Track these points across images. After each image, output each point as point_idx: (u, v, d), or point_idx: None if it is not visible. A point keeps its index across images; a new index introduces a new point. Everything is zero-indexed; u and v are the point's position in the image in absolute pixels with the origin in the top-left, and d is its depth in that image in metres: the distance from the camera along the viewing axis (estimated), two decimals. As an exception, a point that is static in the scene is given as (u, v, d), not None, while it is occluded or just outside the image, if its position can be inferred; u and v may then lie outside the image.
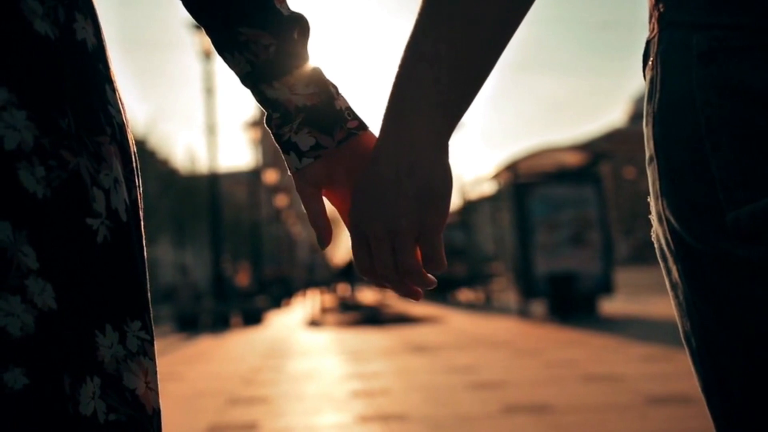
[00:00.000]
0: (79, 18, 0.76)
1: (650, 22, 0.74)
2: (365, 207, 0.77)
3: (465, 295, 22.66)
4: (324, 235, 0.85)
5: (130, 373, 0.76)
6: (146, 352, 0.78)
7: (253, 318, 16.52)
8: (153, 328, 0.80)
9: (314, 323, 15.21)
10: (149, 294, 0.81)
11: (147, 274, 0.81)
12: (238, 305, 17.18)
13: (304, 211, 0.85)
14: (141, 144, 32.00)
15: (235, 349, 10.85)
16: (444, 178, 0.76)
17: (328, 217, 0.85)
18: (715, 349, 0.69)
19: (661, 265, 0.75)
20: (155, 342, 0.81)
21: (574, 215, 13.26)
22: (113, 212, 0.75)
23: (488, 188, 21.03)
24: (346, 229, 0.81)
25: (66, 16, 0.74)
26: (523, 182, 13.72)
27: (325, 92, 0.84)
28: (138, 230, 0.80)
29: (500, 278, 20.58)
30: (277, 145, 0.85)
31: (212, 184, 19.14)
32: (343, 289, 22.24)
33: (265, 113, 0.85)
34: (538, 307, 13.44)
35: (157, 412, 0.80)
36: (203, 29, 0.86)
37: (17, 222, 0.68)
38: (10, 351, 0.68)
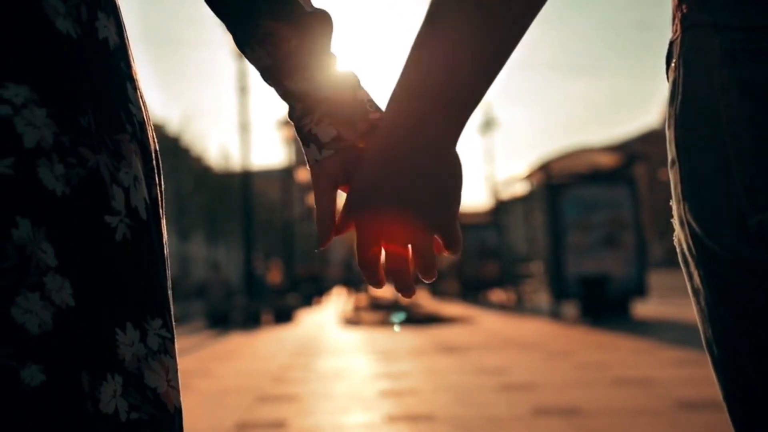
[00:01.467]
0: (102, 17, 0.76)
1: (673, 23, 0.72)
2: (381, 202, 0.76)
3: (496, 295, 22.56)
4: (325, 234, 0.82)
5: (151, 372, 0.76)
6: (167, 350, 0.78)
7: (284, 316, 16.60)
8: (174, 325, 0.80)
9: (345, 322, 15.23)
10: (170, 291, 0.81)
11: (168, 271, 0.81)
12: (270, 303, 17.27)
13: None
14: (175, 141, 32.38)
15: (266, 346, 10.90)
16: (459, 171, 0.76)
17: (334, 226, 0.82)
18: (736, 356, 0.67)
19: (683, 269, 0.73)
20: (176, 339, 0.80)
21: (608, 217, 13.12)
22: (133, 210, 0.75)
23: (521, 189, 20.89)
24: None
25: (88, 14, 0.74)
26: (556, 183, 13.61)
27: (347, 84, 0.83)
28: (158, 228, 0.79)
29: (532, 279, 20.45)
30: (298, 137, 0.84)
31: (245, 181, 19.27)
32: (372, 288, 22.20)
33: (288, 107, 0.85)
34: (570, 308, 13.33)
35: (178, 411, 0.79)
36: (225, 25, 0.85)
37: (36, 219, 0.68)
38: (28, 348, 0.68)
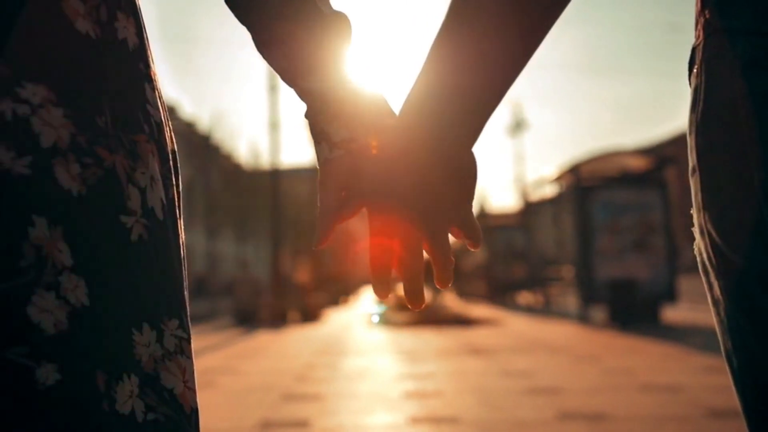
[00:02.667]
0: (121, 17, 0.76)
1: (696, 28, 0.70)
2: (400, 198, 0.75)
3: (524, 297, 22.44)
4: (325, 233, 0.80)
5: (167, 373, 0.76)
6: (183, 351, 0.78)
7: (311, 315, 16.65)
8: (190, 326, 0.80)
9: (371, 321, 15.24)
10: (186, 292, 0.81)
11: (184, 271, 0.81)
12: (296, 301, 17.33)
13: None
14: (205, 139, 32.64)
15: (291, 345, 10.94)
16: (476, 170, 0.76)
17: (334, 225, 0.80)
18: (756, 369, 0.66)
19: (704, 280, 0.71)
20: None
21: (637, 220, 13.00)
22: (149, 210, 0.75)
23: (550, 191, 20.76)
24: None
25: (108, 15, 0.75)
26: (586, 186, 13.50)
27: (363, 86, 0.83)
28: (175, 228, 0.79)
29: (560, 282, 20.31)
30: (310, 135, 0.84)
31: (274, 180, 19.37)
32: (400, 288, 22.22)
33: (305, 105, 0.85)
34: (599, 312, 13.22)
35: (195, 411, 0.79)
36: (245, 26, 0.86)
37: (53, 218, 0.68)
38: (44, 347, 0.68)
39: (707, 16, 0.68)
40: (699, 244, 0.71)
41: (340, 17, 0.84)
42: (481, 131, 0.74)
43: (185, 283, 0.80)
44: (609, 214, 13.10)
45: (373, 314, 13.35)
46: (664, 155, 16.10)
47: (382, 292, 0.78)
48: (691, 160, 0.70)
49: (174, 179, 0.81)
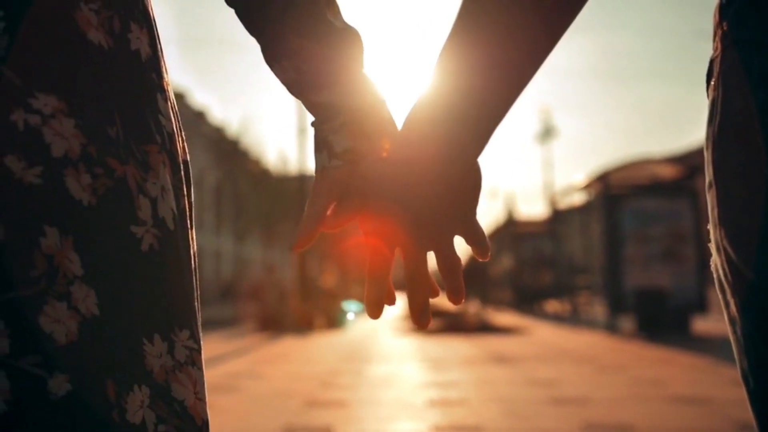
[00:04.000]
0: (135, 28, 0.76)
1: (714, 40, 0.68)
2: (401, 209, 0.73)
3: (551, 306, 22.30)
4: (305, 238, 0.79)
5: (178, 384, 0.75)
6: (194, 362, 0.77)
7: (337, 320, 16.67)
8: (201, 336, 0.79)
9: (398, 328, 15.22)
10: (198, 302, 0.80)
11: (196, 281, 0.80)
12: (323, 306, 17.36)
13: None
14: (234, 144, 32.91)
15: (317, 350, 10.96)
16: (480, 181, 0.74)
17: (318, 230, 0.79)
18: None
19: (720, 297, 0.69)
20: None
21: (667, 229, 12.85)
22: (160, 221, 0.75)
23: (579, 198, 20.61)
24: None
25: (121, 26, 0.75)
26: (615, 194, 13.38)
27: (373, 100, 0.82)
28: (186, 239, 0.79)
29: (588, 290, 20.14)
30: (313, 141, 0.83)
31: (301, 184, 19.45)
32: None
33: (313, 117, 0.84)
34: (627, 322, 13.08)
35: (206, 423, 0.79)
36: (255, 39, 0.85)
37: (64, 228, 0.68)
38: (56, 357, 0.68)
39: (725, 28, 0.67)
40: (715, 261, 0.69)
41: (351, 32, 0.83)
42: (488, 141, 0.72)
43: (196, 294, 0.80)
44: (638, 222, 12.97)
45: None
46: (694, 163, 15.92)
47: (375, 308, 0.76)
48: (708, 174, 0.69)
49: (185, 189, 0.81)
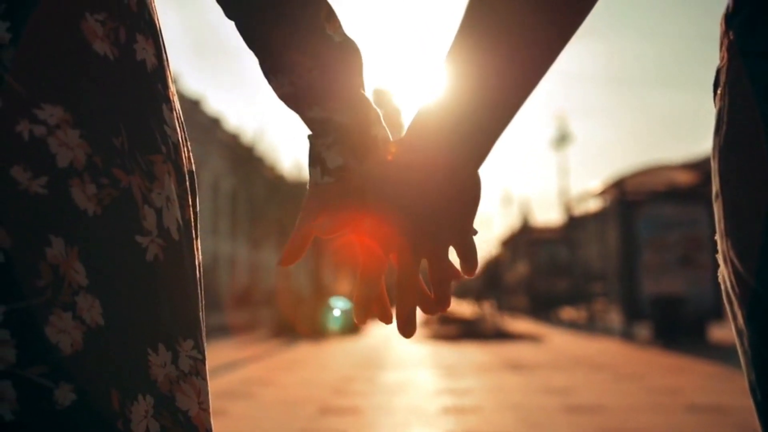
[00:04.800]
0: (140, 39, 0.76)
1: (720, 49, 0.68)
2: (400, 222, 0.72)
3: (567, 313, 22.19)
4: (294, 255, 0.78)
5: (182, 394, 0.75)
6: (198, 372, 0.77)
7: (351, 327, 16.66)
8: (205, 346, 0.79)
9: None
10: (202, 312, 0.80)
11: (201, 292, 0.80)
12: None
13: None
14: (249, 151, 33.01)
15: (331, 357, 10.96)
16: (479, 193, 0.74)
17: (306, 247, 0.78)
18: None
19: (728, 309, 0.69)
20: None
21: (684, 236, 12.76)
22: (165, 231, 0.75)
23: (594, 205, 20.53)
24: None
25: (127, 37, 0.75)
26: (631, 200, 13.31)
27: (365, 117, 0.82)
28: (190, 249, 0.79)
29: (604, 297, 20.03)
30: (308, 155, 0.83)
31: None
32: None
33: (308, 130, 0.84)
34: (643, 329, 13.00)
35: None
36: (253, 53, 0.85)
37: (69, 238, 0.69)
38: (62, 368, 0.68)
39: (731, 37, 0.66)
40: (723, 272, 0.69)
41: (349, 46, 0.83)
42: (492, 147, 0.71)
43: (201, 304, 0.80)
44: (654, 229, 12.89)
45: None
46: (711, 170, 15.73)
47: (362, 311, 0.75)
48: (715, 185, 0.68)
49: (191, 199, 0.81)
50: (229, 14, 0.86)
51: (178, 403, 0.74)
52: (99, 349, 0.70)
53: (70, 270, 0.68)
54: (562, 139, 32.38)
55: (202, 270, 0.83)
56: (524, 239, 28.47)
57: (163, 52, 0.81)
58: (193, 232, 0.81)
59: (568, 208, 26.53)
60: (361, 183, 0.75)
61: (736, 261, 0.65)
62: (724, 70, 0.68)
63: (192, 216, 0.81)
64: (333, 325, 12.94)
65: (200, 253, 0.83)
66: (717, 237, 0.69)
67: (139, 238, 0.73)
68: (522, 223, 32.75)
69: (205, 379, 0.78)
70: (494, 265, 33.67)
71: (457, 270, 0.76)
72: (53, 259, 0.68)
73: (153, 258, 0.73)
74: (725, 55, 0.67)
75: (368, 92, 0.85)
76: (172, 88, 0.82)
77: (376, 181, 0.74)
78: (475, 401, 6.26)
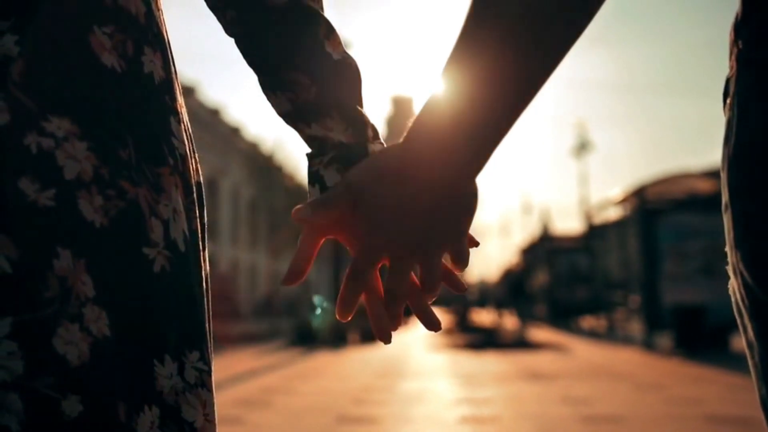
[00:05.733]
0: (148, 51, 0.77)
1: (730, 59, 0.67)
2: (394, 226, 0.71)
3: (588, 322, 22.03)
4: (297, 274, 0.77)
5: (188, 406, 0.75)
6: (204, 384, 0.77)
7: (371, 335, 16.63)
8: (211, 358, 0.79)
9: (431, 344, 15.16)
10: (209, 324, 0.80)
11: (208, 303, 0.80)
12: (356, 322, 17.34)
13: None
14: (269, 160, 33.17)
15: (350, 366, 10.95)
16: (476, 202, 0.72)
17: (309, 266, 0.77)
18: None
19: (738, 321, 0.68)
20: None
21: (706, 245, 12.63)
22: (171, 242, 0.75)
23: (615, 213, 20.39)
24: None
25: (134, 49, 0.75)
26: (652, 208, 13.21)
27: (362, 135, 0.82)
28: (197, 260, 0.79)
29: (625, 306, 19.87)
30: (306, 174, 0.83)
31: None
32: (463, 310, 22.09)
33: (307, 148, 0.85)
34: (664, 339, 12.87)
35: None
36: (253, 71, 0.86)
37: (77, 250, 0.69)
38: (69, 379, 0.69)
39: (740, 47, 0.65)
40: (733, 284, 0.68)
41: (348, 64, 0.83)
42: (487, 160, 0.70)
43: (207, 315, 0.80)
44: (676, 237, 12.78)
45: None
46: (733, 178, 15.57)
47: (346, 306, 0.75)
48: (724, 196, 0.67)
49: (198, 211, 0.81)
50: (229, 32, 0.87)
51: (183, 415, 0.75)
52: (106, 361, 0.70)
53: (77, 281, 0.69)
54: (583, 147, 32.22)
55: (209, 281, 0.83)
56: (544, 248, 28.33)
57: (171, 64, 0.82)
58: (201, 243, 0.81)
59: (588, 217, 26.37)
60: (357, 187, 0.74)
61: (745, 273, 0.64)
62: (733, 80, 0.67)
63: (199, 227, 0.81)
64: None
65: (207, 264, 0.83)
66: (727, 248, 0.68)
67: (146, 250, 0.73)
68: (542, 232, 32.59)
69: (210, 390, 0.78)
70: (516, 274, 33.49)
71: (452, 277, 0.77)
72: (61, 270, 0.68)
73: (160, 269, 0.74)
74: (734, 65, 0.67)
75: (367, 108, 0.84)
76: (180, 101, 0.83)
77: (371, 185, 0.73)
78: (494, 411, 6.22)
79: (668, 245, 12.79)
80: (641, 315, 13.44)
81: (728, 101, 0.67)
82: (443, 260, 0.77)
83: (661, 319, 12.56)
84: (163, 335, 0.74)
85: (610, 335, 17.73)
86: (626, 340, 15.30)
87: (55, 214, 0.68)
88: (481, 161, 0.70)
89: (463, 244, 0.75)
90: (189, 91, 35.96)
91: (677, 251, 12.75)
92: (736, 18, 0.67)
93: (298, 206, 0.76)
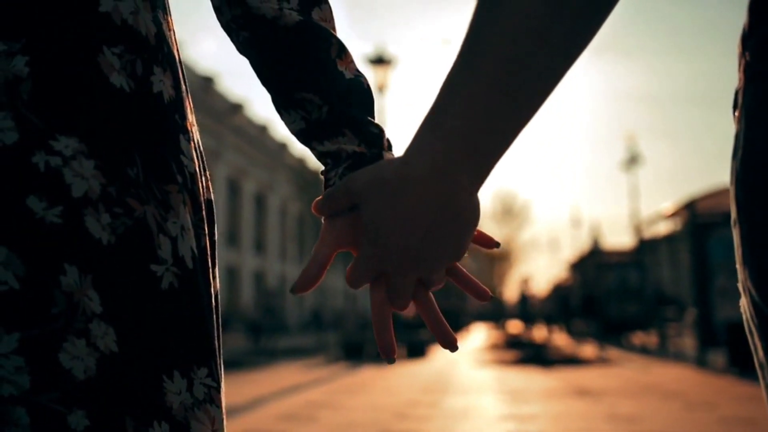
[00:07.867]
0: (157, 71, 0.78)
1: (738, 71, 0.65)
2: (392, 239, 0.71)
3: (639, 338, 21.63)
4: (309, 283, 0.77)
5: (197, 422, 0.76)
6: (213, 400, 0.78)
7: (417, 350, 16.59)
8: (220, 374, 0.80)
9: (479, 359, 15.04)
10: (218, 340, 0.80)
11: (216, 319, 0.81)
12: (403, 336, 17.31)
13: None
14: (316, 175, 33.44)
15: (396, 381, 10.91)
16: (477, 219, 0.71)
17: (321, 277, 0.78)
18: None
19: (749, 340, 0.65)
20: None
21: (760, 259, 12.33)
22: (180, 259, 0.76)
23: (666, 227, 20.01)
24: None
25: (144, 69, 0.76)
26: (703, 222, 12.94)
27: (376, 147, 0.82)
28: (206, 277, 0.80)
29: (677, 322, 19.45)
30: (323, 188, 0.84)
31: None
32: (512, 325, 21.87)
33: (322, 166, 0.85)
34: (718, 356, 12.56)
35: None
36: (266, 89, 0.87)
37: (83, 267, 0.70)
38: (75, 394, 0.70)
39: (747, 58, 0.63)
40: (743, 302, 0.65)
41: (360, 81, 0.84)
42: (488, 175, 0.69)
43: (217, 332, 0.80)
44: (728, 252, 12.47)
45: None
46: (789, 191, 15.20)
47: (387, 340, 0.75)
48: (732, 211, 0.65)
49: (207, 229, 0.82)
50: (242, 51, 0.88)
51: (192, 431, 0.75)
52: (113, 376, 0.71)
53: (84, 297, 0.70)
54: (633, 161, 31.74)
55: (219, 298, 0.84)
56: (594, 262, 27.95)
57: (182, 83, 0.83)
58: (210, 261, 0.82)
59: (638, 231, 25.94)
60: (356, 192, 0.74)
61: (753, 291, 0.62)
62: (741, 92, 0.65)
63: (208, 245, 0.82)
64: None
65: (217, 281, 0.84)
66: (737, 265, 0.66)
67: (154, 267, 0.74)
68: (592, 246, 32.16)
69: (219, 406, 0.78)
70: (564, 289, 33.09)
71: (474, 285, 0.77)
72: (67, 286, 0.69)
73: (168, 286, 0.74)
74: (742, 77, 0.65)
75: (381, 123, 0.85)
76: (191, 119, 0.84)
77: (371, 193, 0.72)
78: (539, 427, 6.13)
79: (720, 260, 12.50)
80: (694, 331, 13.14)
81: (737, 114, 0.66)
82: (463, 269, 0.77)
83: (715, 335, 12.26)
84: (172, 351, 0.74)
85: (661, 351, 17.37)
86: (677, 357, 14.97)
87: (62, 231, 0.69)
88: (481, 176, 0.69)
89: (443, 270, 0.74)
90: (237, 108, 36.47)
91: (730, 266, 12.42)
92: (744, 30, 0.65)
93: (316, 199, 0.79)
